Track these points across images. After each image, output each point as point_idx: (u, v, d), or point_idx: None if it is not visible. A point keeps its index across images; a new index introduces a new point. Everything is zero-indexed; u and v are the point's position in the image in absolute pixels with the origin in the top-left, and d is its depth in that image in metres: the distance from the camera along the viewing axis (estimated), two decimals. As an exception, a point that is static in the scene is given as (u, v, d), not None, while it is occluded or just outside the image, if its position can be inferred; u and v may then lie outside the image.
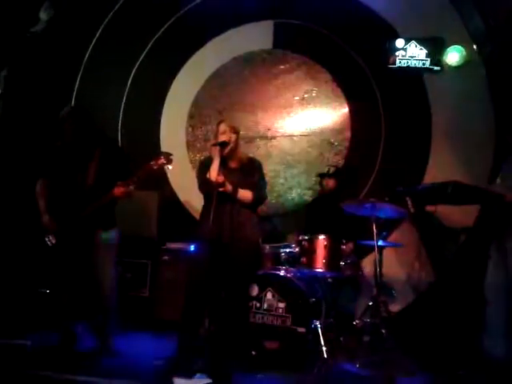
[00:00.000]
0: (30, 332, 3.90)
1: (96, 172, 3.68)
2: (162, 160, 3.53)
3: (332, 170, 4.93)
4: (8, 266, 4.74)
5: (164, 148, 5.80)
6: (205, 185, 3.59)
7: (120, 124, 5.65)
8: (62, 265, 3.68)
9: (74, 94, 5.94)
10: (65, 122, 3.68)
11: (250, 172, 3.67)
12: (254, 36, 5.77)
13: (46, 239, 3.66)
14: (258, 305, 3.98)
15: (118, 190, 3.55)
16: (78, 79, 5.94)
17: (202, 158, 4.39)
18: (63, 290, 3.72)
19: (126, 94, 5.90)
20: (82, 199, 3.63)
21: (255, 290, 4.00)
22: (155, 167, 3.52)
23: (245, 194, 3.58)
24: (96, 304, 3.76)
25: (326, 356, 3.71)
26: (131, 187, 3.58)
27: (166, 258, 4.95)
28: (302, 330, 3.84)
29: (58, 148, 3.81)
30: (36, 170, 3.85)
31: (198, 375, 3.30)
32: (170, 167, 3.55)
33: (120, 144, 5.42)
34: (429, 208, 4.88)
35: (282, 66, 5.71)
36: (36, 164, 3.91)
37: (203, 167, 3.70)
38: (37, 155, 4.16)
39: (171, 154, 3.56)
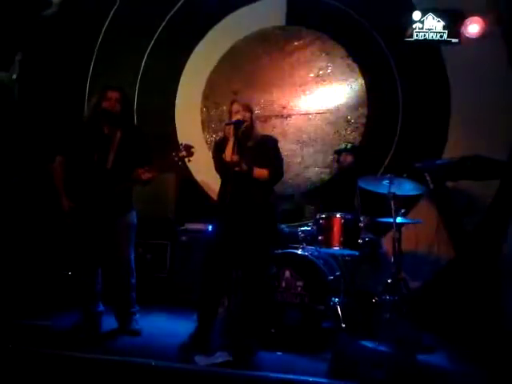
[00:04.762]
0: (52, 313, 3.97)
1: (115, 156, 3.69)
2: (183, 153, 3.54)
3: (349, 145, 4.89)
4: (31, 248, 4.81)
5: (179, 129, 5.82)
6: (220, 165, 3.58)
7: (135, 105, 5.64)
8: (82, 247, 3.72)
9: (89, 75, 5.94)
10: (106, 101, 3.67)
11: (265, 150, 3.63)
12: (267, 13, 5.69)
13: (64, 220, 3.70)
14: (276, 283, 3.98)
15: (145, 175, 3.58)
16: (93, 60, 5.93)
17: (217, 138, 4.37)
18: (84, 272, 3.76)
19: (140, 75, 5.88)
20: (100, 182, 3.64)
21: (273, 269, 4.00)
22: (176, 159, 3.53)
23: (260, 173, 3.55)
24: (116, 285, 3.80)
25: (345, 333, 3.71)
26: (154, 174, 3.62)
27: (184, 238, 5.00)
28: (320, 307, 3.84)
29: (79, 126, 3.80)
30: (54, 148, 3.84)
31: (218, 353, 3.34)
32: (190, 159, 3.56)
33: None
34: (448, 184, 4.82)
35: (295, 43, 5.63)
36: (55, 142, 3.91)
37: (218, 148, 3.68)
38: (55, 134, 4.17)
39: (192, 147, 3.56)
